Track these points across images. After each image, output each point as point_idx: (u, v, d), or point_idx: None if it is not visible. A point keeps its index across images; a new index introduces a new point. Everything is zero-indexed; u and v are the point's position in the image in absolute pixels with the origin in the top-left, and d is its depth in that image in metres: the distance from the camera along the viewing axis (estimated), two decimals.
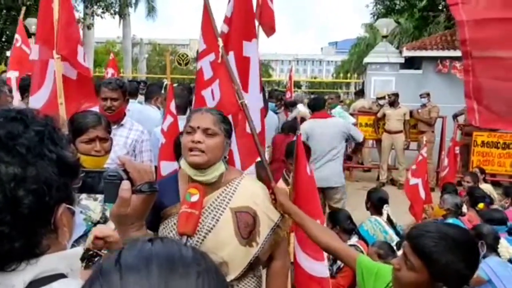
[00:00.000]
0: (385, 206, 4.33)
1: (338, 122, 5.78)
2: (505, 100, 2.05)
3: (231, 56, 2.69)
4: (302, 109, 7.07)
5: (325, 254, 2.44)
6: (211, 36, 2.67)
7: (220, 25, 2.78)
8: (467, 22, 2.03)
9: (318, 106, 5.85)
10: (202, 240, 1.92)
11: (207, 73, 2.72)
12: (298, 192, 2.47)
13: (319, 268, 2.43)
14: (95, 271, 0.64)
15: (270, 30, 6.00)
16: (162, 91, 5.05)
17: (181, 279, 0.60)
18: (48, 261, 0.86)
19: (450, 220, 4.28)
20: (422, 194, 5.48)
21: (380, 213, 4.29)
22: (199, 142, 1.90)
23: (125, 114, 3.55)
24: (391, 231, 3.94)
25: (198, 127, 1.93)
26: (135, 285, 0.59)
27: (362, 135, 5.86)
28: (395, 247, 3.71)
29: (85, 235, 2.09)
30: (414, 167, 5.72)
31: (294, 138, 3.21)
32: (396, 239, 3.87)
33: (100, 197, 2.19)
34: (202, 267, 0.63)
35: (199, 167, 1.94)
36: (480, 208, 4.78)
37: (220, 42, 2.59)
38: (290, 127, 5.58)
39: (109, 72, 8.34)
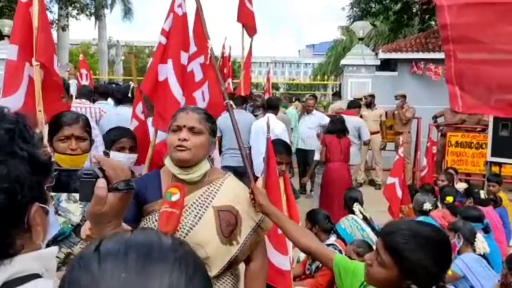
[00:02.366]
0: (355, 204, 4.39)
1: (353, 120, 7.48)
2: (485, 84, 2.06)
3: (169, 64, 2.85)
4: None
5: (290, 249, 2.56)
6: (201, 39, 2.78)
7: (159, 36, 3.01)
8: (448, 7, 2.04)
9: (350, 105, 8.30)
10: (184, 237, 1.92)
11: (198, 75, 2.82)
12: (268, 191, 2.50)
13: (283, 261, 2.55)
14: (75, 258, 0.66)
15: (251, 30, 6.05)
16: (129, 95, 4.97)
17: (158, 263, 0.62)
18: (22, 261, 0.84)
19: (421, 218, 4.37)
20: (399, 193, 5.58)
21: (352, 211, 4.36)
22: (185, 139, 1.93)
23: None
24: (368, 229, 3.99)
25: (184, 126, 1.96)
26: (113, 270, 0.60)
27: (368, 136, 7.65)
28: (374, 243, 3.75)
29: (65, 238, 2.06)
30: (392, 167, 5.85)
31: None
32: (373, 236, 3.93)
33: None
34: (180, 253, 0.64)
35: (185, 164, 1.96)
36: (449, 202, 4.88)
37: (210, 44, 2.70)
38: (339, 130, 6.45)
39: (83, 73, 8.20)
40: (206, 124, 1.99)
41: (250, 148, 6.07)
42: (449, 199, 4.87)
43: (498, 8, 1.99)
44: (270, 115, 5.99)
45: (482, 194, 5.12)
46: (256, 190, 2.14)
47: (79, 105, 5.26)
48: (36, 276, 0.86)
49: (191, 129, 1.95)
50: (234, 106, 2.62)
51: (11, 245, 0.83)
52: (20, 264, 0.84)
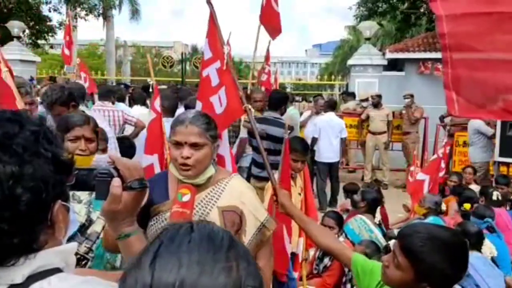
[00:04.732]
0: (379, 208, 4.45)
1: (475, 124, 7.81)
2: (482, 90, 2.13)
3: None
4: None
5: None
6: (216, 44, 2.85)
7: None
8: (446, 17, 2.12)
9: None
10: None
11: (214, 80, 2.89)
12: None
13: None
14: (131, 262, 0.71)
15: (274, 31, 5.97)
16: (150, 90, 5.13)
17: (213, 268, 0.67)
18: (46, 256, 0.89)
19: (431, 218, 4.37)
20: (426, 191, 5.63)
21: (373, 212, 4.39)
22: (188, 157, 1.95)
23: None
24: (376, 230, 4.01)
25: (186, 143, 1.95)
26: (168, 276, 0.65)
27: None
28: (381, 244, 3.78)
29: (70, 238, 2.10)
30: (426, 164, 6.05)
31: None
32: (381, 237, 3.95)
33: (84, 199, 2.21)
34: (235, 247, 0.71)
35: (191, 179, 1.99)
36: (466, 209, 4.86)
37: (226, 49, 2.78)
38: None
39: (82, 76, 8.18)
40: (206, 134, 1.98)
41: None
42: (467, 206, 4.86)
43: (494, 18, 2.07)
44: (331, 113, 7.66)
45: (495, 195, 5.12)
46: (278, 191, 2.22)
47: (102, 108, 5.29)
48: (58, 270, 0.90)
49: (193, 145, 1.96)
50: (252, 109, 2.71)
51: (35, 241, 0.88)
52: (44, 259, 0.88)
